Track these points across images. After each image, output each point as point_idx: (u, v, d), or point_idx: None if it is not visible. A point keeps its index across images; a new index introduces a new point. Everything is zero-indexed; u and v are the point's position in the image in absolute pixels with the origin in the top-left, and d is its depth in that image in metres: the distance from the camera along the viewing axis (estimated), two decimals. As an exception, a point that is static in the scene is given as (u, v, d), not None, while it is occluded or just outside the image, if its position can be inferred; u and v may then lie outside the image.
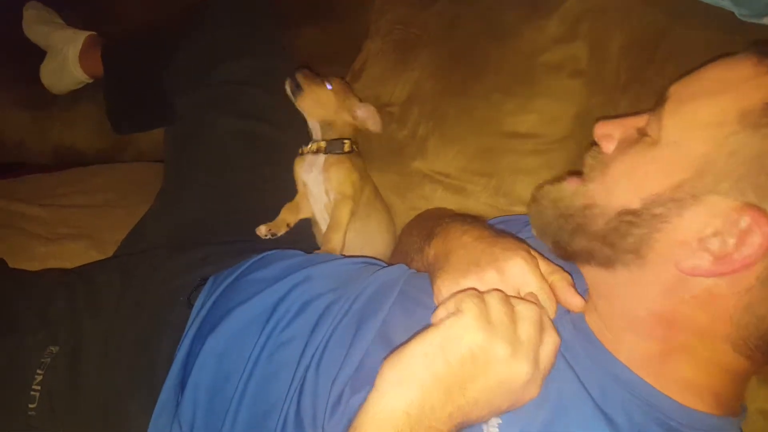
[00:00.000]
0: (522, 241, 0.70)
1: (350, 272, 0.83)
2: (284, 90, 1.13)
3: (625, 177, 0.62)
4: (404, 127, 1.19)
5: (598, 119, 0.70)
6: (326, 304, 0.77)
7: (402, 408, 0.49)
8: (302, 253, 0.93)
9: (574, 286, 0.65)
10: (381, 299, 0.75)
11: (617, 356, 0.61)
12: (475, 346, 0.51)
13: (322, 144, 1.11)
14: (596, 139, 0.69)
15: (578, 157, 1.06)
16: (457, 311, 0.53)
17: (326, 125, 1.13)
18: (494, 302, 0.54)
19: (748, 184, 0.54)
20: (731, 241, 0.54)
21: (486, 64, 1.14)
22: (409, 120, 1.19)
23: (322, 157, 1.10)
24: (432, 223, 0.83)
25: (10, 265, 1.05)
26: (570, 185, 0.69)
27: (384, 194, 1.19)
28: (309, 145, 1.12)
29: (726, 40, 0.97)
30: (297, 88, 1.12)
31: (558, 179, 0.72)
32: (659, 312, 0.60)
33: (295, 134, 1.15)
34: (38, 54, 1.48)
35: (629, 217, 0.60)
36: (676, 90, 0.63)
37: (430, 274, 0.72)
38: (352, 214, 1.06)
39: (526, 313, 0.55)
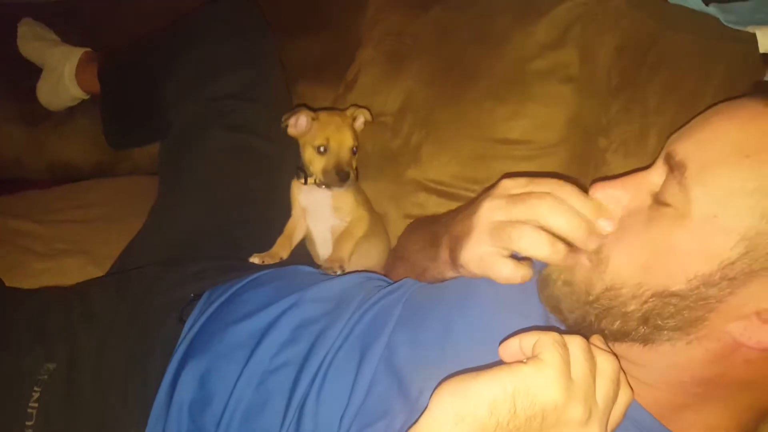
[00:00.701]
0: None
1: (345, 293, 0.81)
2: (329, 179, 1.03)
3: (659, 255, 0.57)
4: (398, 136, 1.20)
5: (593, 181, 0.64)
6: (320, 329, 0.75)
7: None
8: (298, 269, 0.92)
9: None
10: (382, 323, 0.73)
11: (641, 402, 0.59)
12: (551, 405, 0.44)
13: None
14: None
15: (570, 163, 1.08)
16: (537, 358, 0.46)
17: None
18: (579, 355, 0.47)
19: None
20: None
21: (477, 71, 1.14)
22: (403, 129, 1.20)
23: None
24: (433, 227, 0.81)
25: (7, 281, 1.05)
26: (580, 266, 0.62)
27: (379, 203, 1.19)
28: (313, 178, 1.06)
29: (714, 45, 0.98)
30: (347, 179, 1.03)
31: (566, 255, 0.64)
32: (702, 377, 0.57)
33: (287, 147, 1.15)
34: (33, 70, 1.48)
35: (674, 300, 0.55)
36: (691, 152, 0.57)
37: (452, 252, 0.69)
38: (366, 228, 1.07)
39: (607, 369, 0.48)
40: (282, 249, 1.05)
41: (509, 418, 0.44)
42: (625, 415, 0.54)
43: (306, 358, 0.72)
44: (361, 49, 1.33)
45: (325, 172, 1.02)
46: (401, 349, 0.68)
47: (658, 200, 0.58)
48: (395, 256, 1.07)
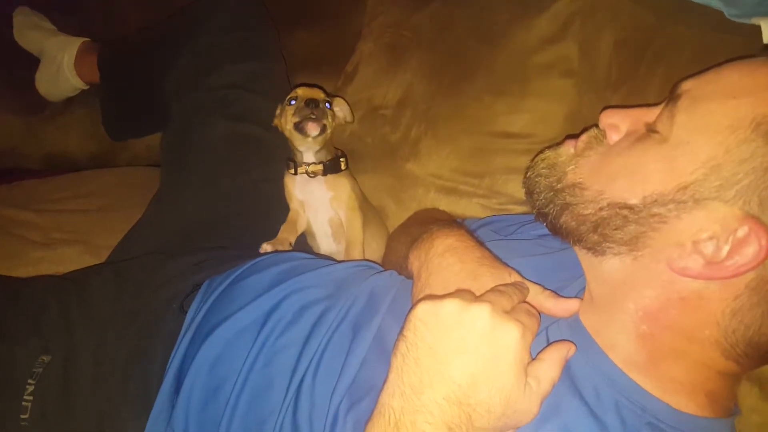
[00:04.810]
0: (508, 264, 0.68)
1: (344, 277, 0.83)
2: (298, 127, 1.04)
3: (628, 171, 0.61)
4: (397, 130, 1.19)
5: (605, 107, 0.69)
6: (321, 311, 0.76)
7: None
8: (296, 255, 0.92)
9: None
10: (376, 305, 0.74)
11: (612, 357, 0.61)
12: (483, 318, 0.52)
13: (320, 167, 1.08)
14: (602, 127, 0.68)
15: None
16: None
17: (321, 148, 1.08)
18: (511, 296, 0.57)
19: (754, 195, 0.53)
20: (725, 248, 0.54)
21: (477, 65, 1.14)
22: (402, 122, 1.19)
23: (320, 177, 1.08)
24: (417, 230, 0.82)
25: (4, 270, 1.04)
26: (566, 149, 0.70)
27: (377, 196, 1.19)
28: (303, 167, 1.08)
29: (715, 38, 0.97)
30: (323, 129, 1.05)
31: (558, 144, 0.72)
32: (646, 308, 0.59)
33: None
34: (29, 60, 1.48)
35: (625, 212, 0.60)
36: (691, 87, 0.61)
37: (412, 289, 0.71)
38: (363, 224, 1.08)
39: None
40: (289, 234, 1.06)
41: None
42: (600, 372, 0.60)
43: (307, 339, 0.73)
44: (361, 41, 1.32)
45: (296, 111, 1.04)
46: (392, 337, 0.69)
47: (650, 128, 0.63)
48: (386, 251, 1.09)
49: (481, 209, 1.11)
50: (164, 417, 0.76)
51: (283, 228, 1.07)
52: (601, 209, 0.62)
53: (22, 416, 0.78)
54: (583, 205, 0.63)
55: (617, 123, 0.66)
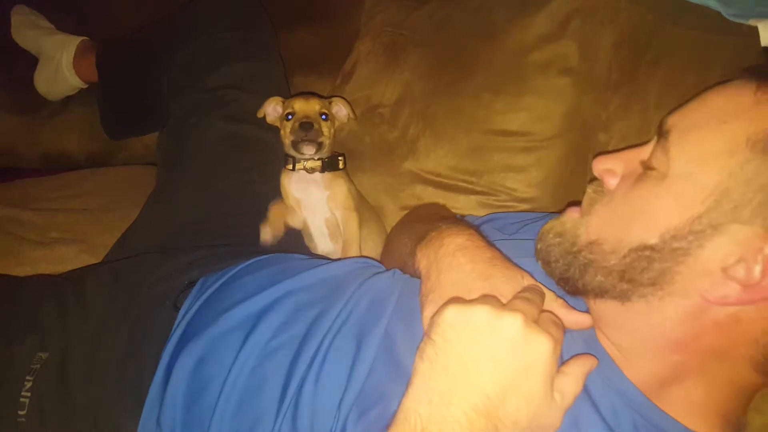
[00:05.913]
0: (520, 265, 0.68)
1: (342, 278, 0.81)
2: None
3: (638, 213, 0.61)
4: (395, 128, 1.19)
5: (596, 155, 0.69)
6: (317, 313, 0.74)
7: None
8: (293, 256, 0.92)
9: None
10: (380, 309, 0.73)
11: (629, 376, 0.61)
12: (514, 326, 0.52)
13: (318, 164, 1.09)
14: (597, 174, 0.67)
15: (568, 156, 1.08)
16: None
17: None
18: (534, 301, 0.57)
19: None
20: (757, 268, 0.53)
21: (475, 63, 1.14)
22: (400, 121, 1.19)
23: (317, 176, 1.09)
24: (424, 227, 0.80)
25: (2, 269, 1.04)
26: (570, 216, 0.68)
27: (375, 195, 1.19)
28: (300, 163, 1.09)
29: (714, 39, 0.98)
30: (320, 146, 1.07)
31: (560, 212, 0.71)
32: (677, 339, 0.59)
33: None
34: (27, 58, 1.47)
35: (647, 253, 0.59)
36: (677, 121, 0.62)
37: (420, 288, 0.70)
38: (359, 224, 1.09)
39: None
40: (282, 213, 1.09)
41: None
42: (618, 391, 0.60)
43: (302, 342, 0.71)
44: (359, 40, 1.32)
45: (292, 131, 1.07)
46: (400, 341, 0.68)
47: (646, 165, 0.63)
48: (386, 248, 1.07)
49: (480, 207, 1.11)
50: (155, 414, 0.75)
51: (274, 209, 1.08)
52: (624, 257, 0.60)
53: (20, 412, 0.77)
54: (604, 259, 0.62)
55: (612, 167, 0.66)
